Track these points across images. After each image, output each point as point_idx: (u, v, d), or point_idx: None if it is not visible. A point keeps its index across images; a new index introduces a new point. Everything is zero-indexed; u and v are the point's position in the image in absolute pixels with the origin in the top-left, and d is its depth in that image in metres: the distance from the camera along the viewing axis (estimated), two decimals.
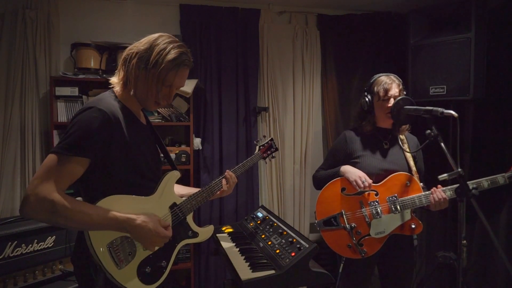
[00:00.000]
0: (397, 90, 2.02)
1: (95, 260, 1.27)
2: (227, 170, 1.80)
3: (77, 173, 1.26)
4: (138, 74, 1.36)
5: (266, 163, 2.25)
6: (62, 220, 1.22)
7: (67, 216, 1.21)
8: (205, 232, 1.62)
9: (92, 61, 2.95)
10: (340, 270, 2.05)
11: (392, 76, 2.07)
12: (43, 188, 1.18)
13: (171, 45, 1.37)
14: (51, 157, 1.22)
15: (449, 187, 1.93)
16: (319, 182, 2.18)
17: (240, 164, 1.89)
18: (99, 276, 1.29)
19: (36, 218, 1.22)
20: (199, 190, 1.66)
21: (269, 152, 2.09)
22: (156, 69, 1.35)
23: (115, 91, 1.42)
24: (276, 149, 2.12)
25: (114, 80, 1.43)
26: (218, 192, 1.75)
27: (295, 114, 3.49)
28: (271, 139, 2.12)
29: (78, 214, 1.21)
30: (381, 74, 2.10)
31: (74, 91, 2.88)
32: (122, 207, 1.32)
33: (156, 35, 1.40)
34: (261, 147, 2.07)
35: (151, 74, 1.35)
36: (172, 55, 1.35)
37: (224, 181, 1.76)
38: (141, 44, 1.38)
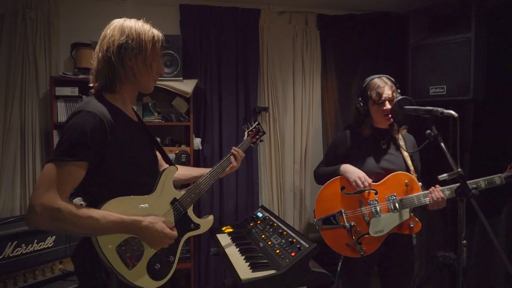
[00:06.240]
0: (390, 92, 2.02)
1: (105, 264, 1.27)
2: (233, 147, 1.92)
3: (78, 177, 1.25)
4: (133, 64, 1.38)
5: (253, 147, 2.32)
6: (71, 227, 1.22)
7: (75, 223, 1.20)
8: (206, 223, 1.65)
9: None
10: (339, 269, 2.06)
11: (384, 78, 2.07)
12: (47, 197, 1.17)
13: (140, 24, 1.42)
14: (50, 166, 1.21)
15: (447, 186, 1.93)
16: (320, 178, 2.20)
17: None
18: (112, 279, 1.29)
19: (44, 228, 1.22)
20: (210, 170, 1.76)
21: (257, 136, 2.12)
22: (146, 51, 1.39)
23: (99, 93, 1.41)
24: (264, 133, 2.16)
25: (98, 83, 1.41)
26: (228, 169, 1.87)
27: (295, 114, 3.49)
28: (258, 123, 2.14)
29: (85, 219, 1.21)
30: (373, 76, 2.09)
31: (74, 91, 2.88)
32: (127, 208, 1.32)
33: (117, 22, 1.41)
34: (250, 132, 2.11)
35: (141, 58, 1.38)
36: (150, 32, 1.41)
37: (232, 157, 1.88)
38: (113, 37, 1.37)
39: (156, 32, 1.44)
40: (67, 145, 1.22)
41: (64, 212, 1.18)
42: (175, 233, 1.42)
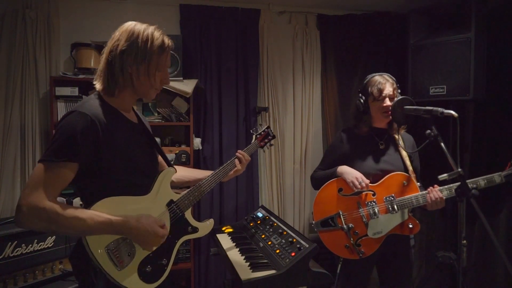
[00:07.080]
0: (391, 89, 2.01)
1: (94, 263, 1.27)
2: (238, 150, 1.85)
3: (67, 178, 1.24)
4: (133, 71, 1.35)
5: (264, 151, 2.24)
6: (57, 227, 1.22)
7: (61, 223, 1.20)
8: (205, 227, 1.61)
9: (92, 61, 2.95)
10: (338, 271, 2.05)
11: (386, 75, 2.06)
12: (34, 197, 1.17)
13: (151, 30, 1.36)
14: (39, 166, 1.21)
15: (445, 186, 1.93)
16: (316, 182, 2.18)
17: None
18: (100, 279, 1.28)
19: (30, 227, 1.22)
20: (213, 173, 1.71)
21: (266, 140, 2.04)
22: (150, 60, 1.35)
23: (99, 93, 1.39)
24: (274, 137, 2.07)
25: (98, 84, 1.39)
26: (232, 172, 1.80)
27: (295, 114, 3.49)
28: (268, 127, 2.07)
29: (71, 220, 1.20)
30: (374, 74, 2.09)
31: (74, 91, 2.88)
32: (117, 209, 1.30)
33: (128, 25, 1.37)
34: (258, 136, 2.03)
35: (144, 66, 1.35)
36: (158, 41, 1.36)
37: (237, 161, 1.81)
38: (119, 41, 1.34)
39: (166, 41, 1.39)
40: (56, 145, 1.22)
41: (49, 212, 1.18)
42: (165, 231, 1.38)
